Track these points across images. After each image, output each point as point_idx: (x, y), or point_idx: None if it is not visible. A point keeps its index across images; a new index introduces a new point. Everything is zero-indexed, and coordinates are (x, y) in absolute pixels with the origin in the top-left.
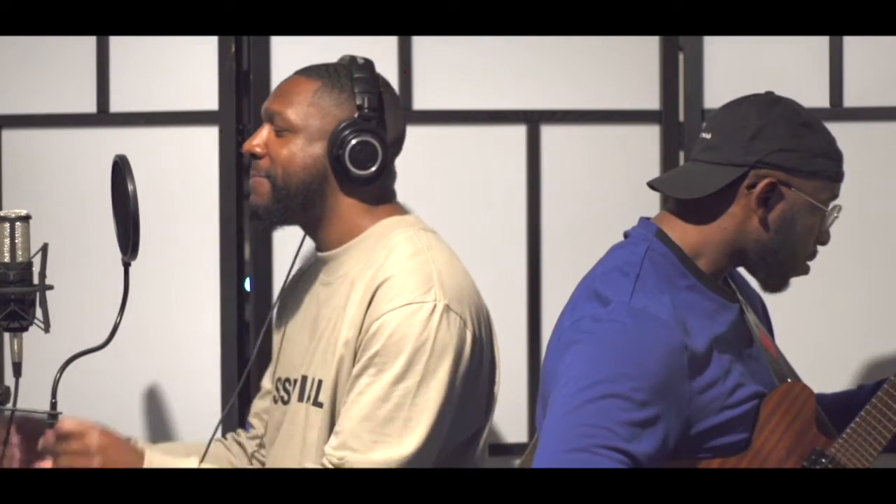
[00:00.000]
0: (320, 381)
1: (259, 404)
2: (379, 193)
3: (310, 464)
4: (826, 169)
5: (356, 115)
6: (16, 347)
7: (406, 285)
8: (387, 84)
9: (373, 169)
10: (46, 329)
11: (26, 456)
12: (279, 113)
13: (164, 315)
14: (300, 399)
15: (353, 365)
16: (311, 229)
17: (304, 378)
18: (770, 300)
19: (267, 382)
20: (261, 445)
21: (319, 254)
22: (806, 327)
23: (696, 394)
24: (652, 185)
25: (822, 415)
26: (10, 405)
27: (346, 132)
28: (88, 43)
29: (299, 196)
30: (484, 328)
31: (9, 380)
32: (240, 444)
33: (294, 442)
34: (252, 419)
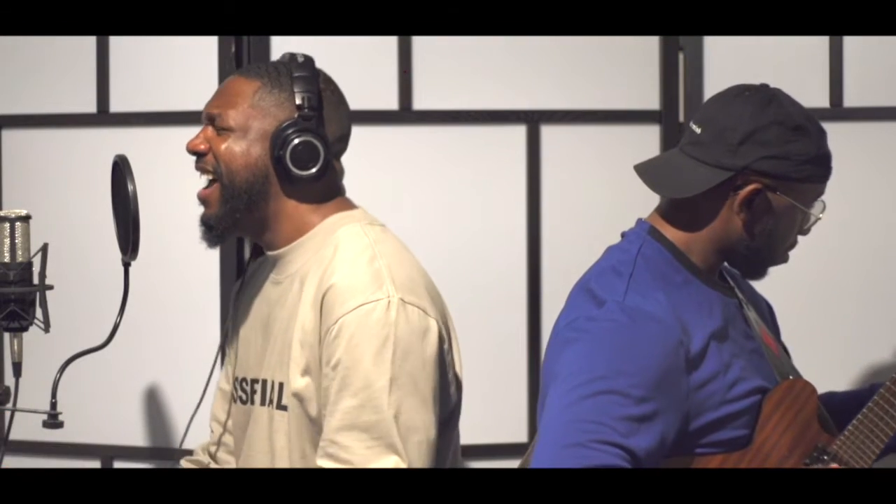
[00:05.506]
0: (281, 384)
1: (217, 407)
2: (324, 191)
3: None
4: (814, 174)
5: (296, 114)
6: (16, 347)
7: (356, 286)
8: (329, 81)
9: (314, 169)
10: (46, 329)
11: None
12: (219, 116)
13: (164, 315)
14: (262, 403)
15: (320, 371)
16: (259, 232)
17: (264, 381)
18: (769, 301)
19: (224, 384)
20: (218, 447)
21: (269, 253)
22: (805, 327)
23: (695, 389)
24: (637, 171)
25: (824, 412)
26: (10, 405)
27: (287, 133)
28: (88, 43)
29: (244, 196)
30: (442, 315)
31: (9, 380)
32: (211, 455)
33: (261, 447)
34: (211, 423)
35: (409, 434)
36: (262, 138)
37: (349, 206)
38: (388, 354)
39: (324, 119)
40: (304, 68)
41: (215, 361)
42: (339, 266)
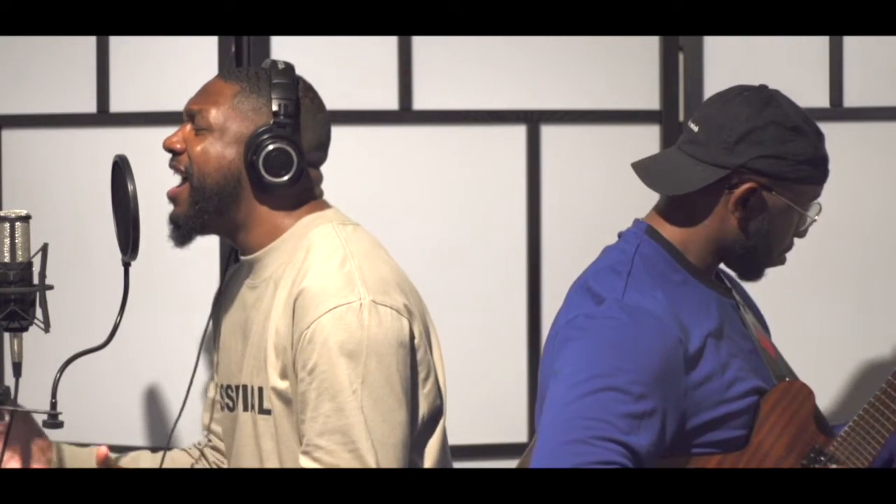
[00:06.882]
0: (260, 389)
1: (206, 416)
2: (297, 198)
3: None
4: (810, 175)
5: (272, 121)
6: (16, 347)
7: (328, 289)
8: (308, 89)
9: (286, 177)
10: (46, 329)
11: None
12: (199, 112)
13: (164, 315)
14: (245, 408)
15: (296, 376)
16: (231, 234)
17: (244, 387)
18: (766, 301)
19: (211, 392)
20: (213, 448)
21: (243, 258)
22: (803, 327)
23: (693, 387)
24: (635, 169)
25: (821, 414)
26: (10, 405)
27: (261, 138)
28: (88, 43)
29: (214, 198)
30: (417, 314)
31: (9, 380)
32: (200, 450)
33: (248, 452)
34: (203, 433)
35: (383, 437)
36: (237, 141)
37: (322, 206)
38: (362, 358)
39: (300, 126)
40: (284, 75)
41: (196, 364)
42: (311, 269)
